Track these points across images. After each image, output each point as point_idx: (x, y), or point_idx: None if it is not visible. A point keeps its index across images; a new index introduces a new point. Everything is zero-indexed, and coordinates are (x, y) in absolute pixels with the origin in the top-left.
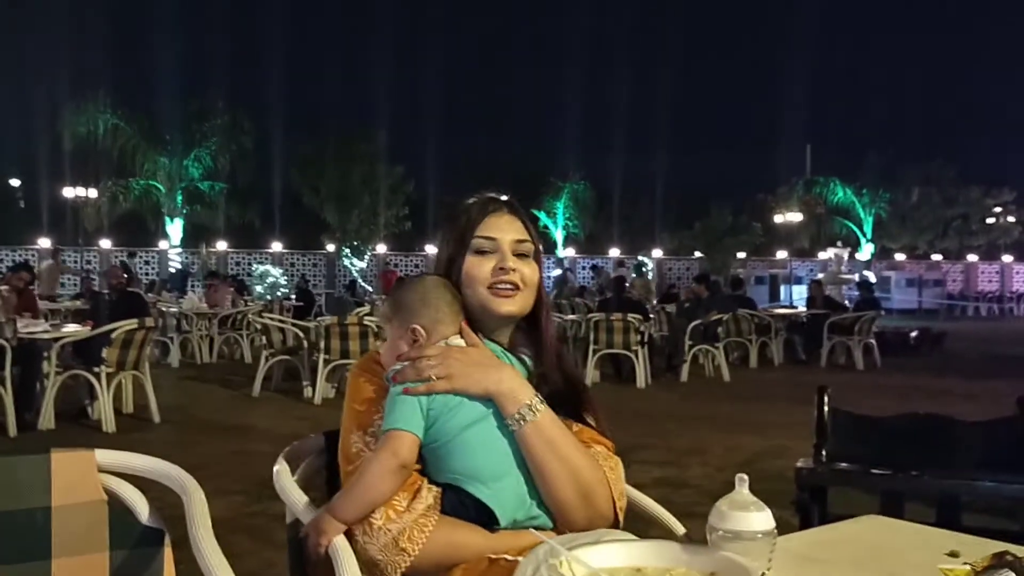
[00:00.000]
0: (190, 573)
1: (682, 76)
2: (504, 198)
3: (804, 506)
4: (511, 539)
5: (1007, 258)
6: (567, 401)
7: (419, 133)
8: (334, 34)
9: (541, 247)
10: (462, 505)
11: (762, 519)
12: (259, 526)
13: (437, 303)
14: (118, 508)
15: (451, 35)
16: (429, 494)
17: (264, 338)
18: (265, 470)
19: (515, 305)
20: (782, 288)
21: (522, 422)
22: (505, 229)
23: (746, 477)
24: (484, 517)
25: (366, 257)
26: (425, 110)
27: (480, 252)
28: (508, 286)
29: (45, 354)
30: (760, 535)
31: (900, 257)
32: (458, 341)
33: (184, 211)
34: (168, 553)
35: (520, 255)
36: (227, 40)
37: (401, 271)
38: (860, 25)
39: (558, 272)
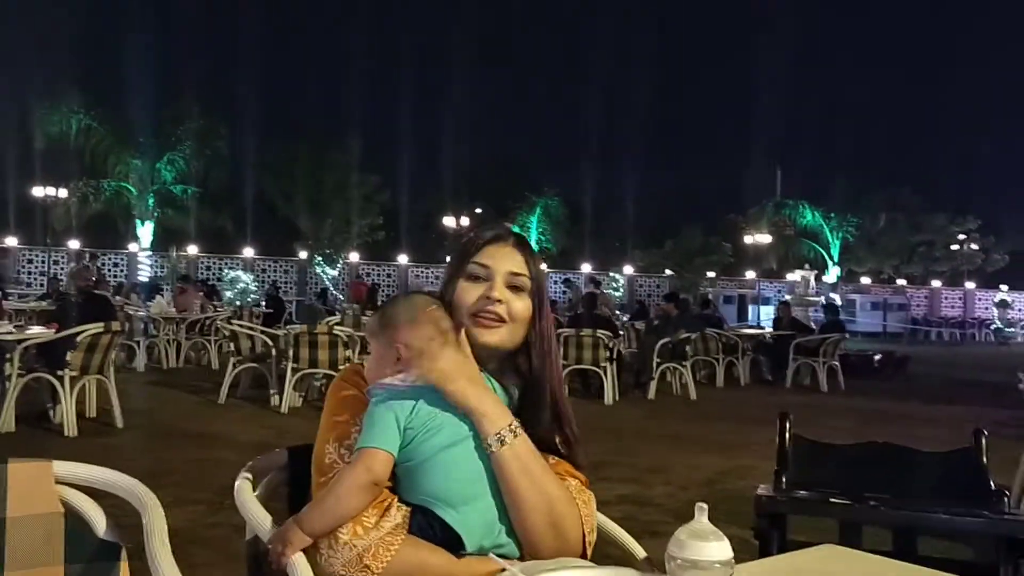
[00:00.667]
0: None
1: (656, 96)
2: (512, 230)
3: (763, 533)
4: (475, 565)
5: (970, 285)
6: (548, 438)
7: (395, 144)
8: (311, 43)
9: (545, 287)
10: (429, 527)
11: (719, 549)
12: (219, 537)
13: (425, 323)
14: (75, 521)
15: (427, 47)
16: (398, 513)
17: (232, 345)
18: (228, 478)
19: (496, 337)
20: (750, 308)
21: (499, 444)
22: (503, 259)
23: (705, 506)
24: (450, 541)
25: (338, 266)
26: (401, 122)
27: (473, 278)
28: (491, 316)
29: (8, 356)
30: (718, 565)
31: (866, 281)
32: None
33: (155, 214)
34: (124, 568)
35: (514, 288)
36: (203, 45)
37: (373, 280)
38: (832, 50)
39: None
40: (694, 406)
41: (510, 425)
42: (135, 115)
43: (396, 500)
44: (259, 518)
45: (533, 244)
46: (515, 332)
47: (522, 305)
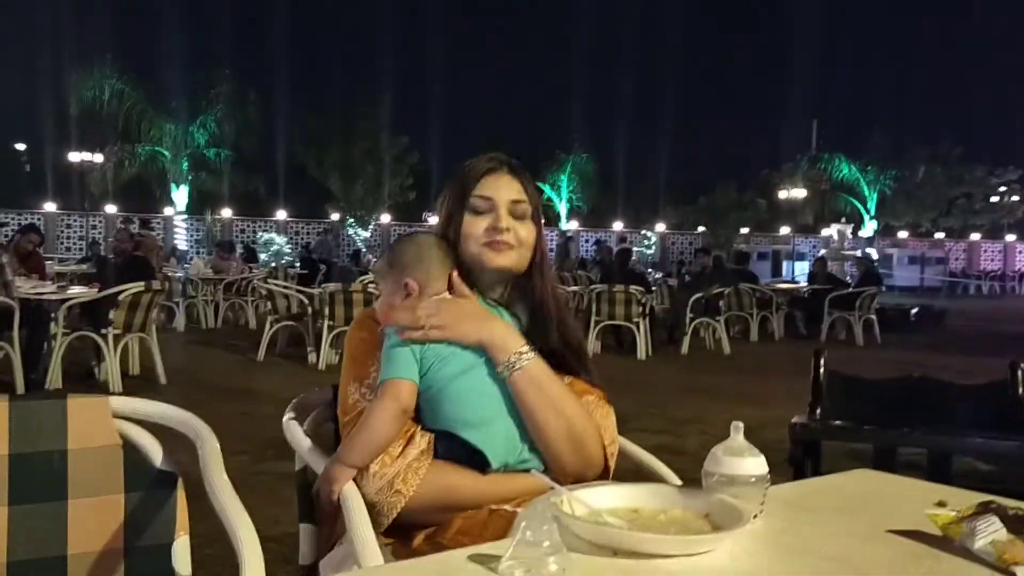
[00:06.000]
0: (199, 516)
1: (689, 51)
2: (504, 158)
3: (798, 461)
4: (503, 481)
5: (1010, 237)
6: (560, 358)
7: (424, 105)
8: (340, 6)
9: (541, 208)
10: (454, 450)
11: (756, 464)
12: (265, 483)
13: (430, 260)
14: (132, 452)
15: (456, 7)
16: (422, 440)
17: (269, 304)
18: (270, 431)
19: (508, 260)
20: (784, 264)
21: (512, 368)
22: (502, 189)
23: (741, 424)
24: (476, 461)
25: (370, 227)
26: (430, 82)
27: (477, 211)
28: (502, 243)
29: (52, 315)
30: (753, 479)
31: (903, 235)
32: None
33: (189, 178)
34: (181, 495)
35: (517, 216)
36: (233, 9)
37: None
38: (868, 2)
39: (559, 243)
40: (728, 360)
41: (519, 350)
42: (167, 79)
43: (419, 428)
44: (306, 447)
45: (563, 198)
46: (523, 256)
47: (526, 231)
